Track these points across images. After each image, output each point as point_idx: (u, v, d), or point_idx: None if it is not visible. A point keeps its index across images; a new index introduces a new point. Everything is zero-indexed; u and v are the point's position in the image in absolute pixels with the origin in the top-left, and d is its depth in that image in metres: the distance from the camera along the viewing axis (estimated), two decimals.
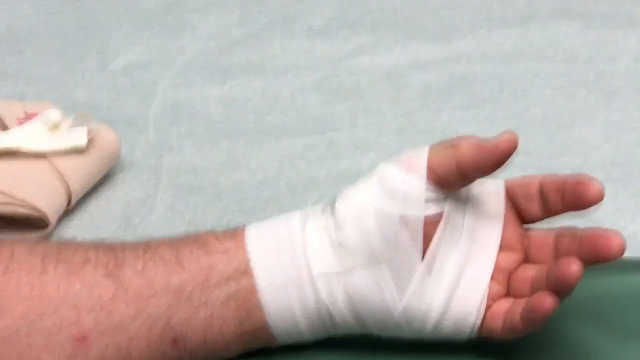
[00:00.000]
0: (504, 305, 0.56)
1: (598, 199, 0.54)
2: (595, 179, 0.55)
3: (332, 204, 0.58)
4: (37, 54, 0.98)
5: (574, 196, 0.55)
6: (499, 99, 0.88)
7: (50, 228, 0.72)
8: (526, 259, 0.58)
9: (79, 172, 0.75)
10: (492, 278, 0.57)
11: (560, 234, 0.57)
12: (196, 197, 0.78)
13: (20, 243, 0.58)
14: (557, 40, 0.96)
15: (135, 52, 0.98)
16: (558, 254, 0.56)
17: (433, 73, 0.92)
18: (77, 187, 0.75)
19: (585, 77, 0.90)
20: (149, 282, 0.56)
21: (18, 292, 0.54)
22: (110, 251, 0.57)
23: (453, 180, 0.56)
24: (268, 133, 0.85)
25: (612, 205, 0.73)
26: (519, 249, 0.58)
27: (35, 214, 0.72)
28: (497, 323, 0.56)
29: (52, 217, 0.72)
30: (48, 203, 0.72)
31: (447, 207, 0.56)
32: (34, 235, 0.72)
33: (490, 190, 0.59)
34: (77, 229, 0.75)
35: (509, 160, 0.54)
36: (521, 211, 0.59)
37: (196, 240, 0.58)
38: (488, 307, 0.56)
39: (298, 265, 0.57)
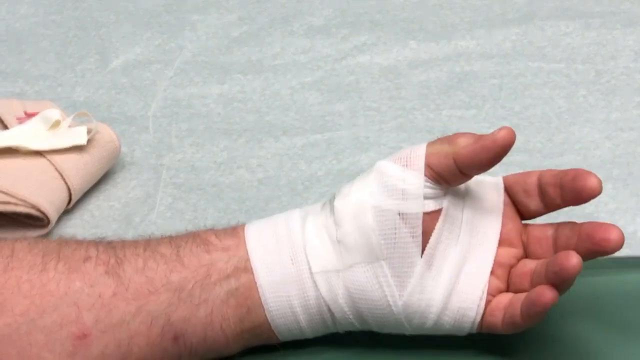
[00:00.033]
0: (503, 300, 0.56)
1: (596, 193, 0.54)
2: (592, 173, 0.55)
3: (331, 201, 0.58)
4: (36, 54, 0.98)
5: (572, 190, 0.55)
6: (499, 98, 0.88)
7: (50, 227, 0.73)
8: (525, 254, 0.58)
9: (79, 171, 0.75)
10: (492, 273, 0.57)
11: (559, 229, 0.57)
12: (196, 196, 0.78)
13: (20, 241, 0.58)
14: (556, 40, 0.96)
15: (134, 51, 0.98)
16: (557, 248, 0.56)
17: (433, 72, 0.92)
18: (77, 186, 0.75)
19: (585, 77, 0.90)
20: (149, 280, 0.56)
21: (18, 290, 0.54)
22: (111, 249, 0.57)
23: (451, 176, 0.56)
24: (268, 132, 0.85)
25: (612, 204, 0.73)
26: (518, 244, 0.58)
27: (35, 212, 0.71)
28: (497, 318, 0.56)
29: (53, 216, 0.72)
30: (48, 202, 0.72)
31: (446, 203, 0.57)
32: (34, 234, 0.72)
33: (489, 185, 0.59)
34: (77, 227, 0.75)
35: (505, 155, 0.55)
36: (520, 206, 0.59)
37: (196, 238, 0.58)
38: (488, 302, 0.56)
39: (298, 262, 0.57)
